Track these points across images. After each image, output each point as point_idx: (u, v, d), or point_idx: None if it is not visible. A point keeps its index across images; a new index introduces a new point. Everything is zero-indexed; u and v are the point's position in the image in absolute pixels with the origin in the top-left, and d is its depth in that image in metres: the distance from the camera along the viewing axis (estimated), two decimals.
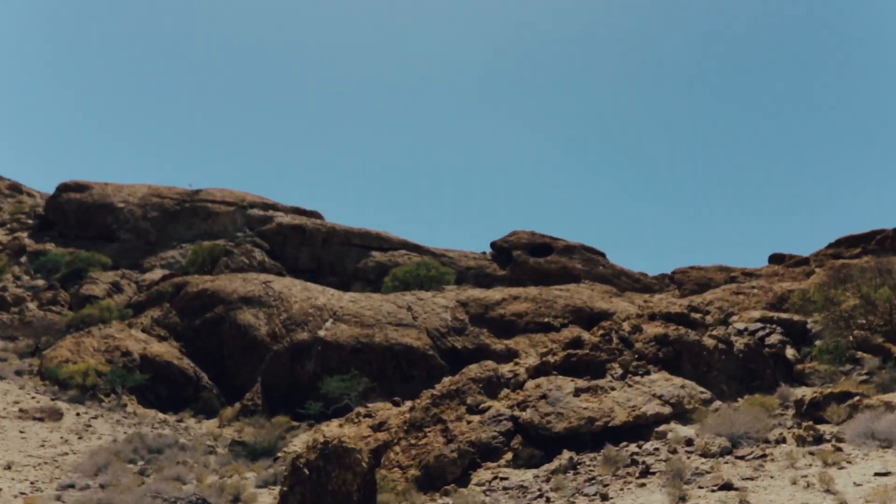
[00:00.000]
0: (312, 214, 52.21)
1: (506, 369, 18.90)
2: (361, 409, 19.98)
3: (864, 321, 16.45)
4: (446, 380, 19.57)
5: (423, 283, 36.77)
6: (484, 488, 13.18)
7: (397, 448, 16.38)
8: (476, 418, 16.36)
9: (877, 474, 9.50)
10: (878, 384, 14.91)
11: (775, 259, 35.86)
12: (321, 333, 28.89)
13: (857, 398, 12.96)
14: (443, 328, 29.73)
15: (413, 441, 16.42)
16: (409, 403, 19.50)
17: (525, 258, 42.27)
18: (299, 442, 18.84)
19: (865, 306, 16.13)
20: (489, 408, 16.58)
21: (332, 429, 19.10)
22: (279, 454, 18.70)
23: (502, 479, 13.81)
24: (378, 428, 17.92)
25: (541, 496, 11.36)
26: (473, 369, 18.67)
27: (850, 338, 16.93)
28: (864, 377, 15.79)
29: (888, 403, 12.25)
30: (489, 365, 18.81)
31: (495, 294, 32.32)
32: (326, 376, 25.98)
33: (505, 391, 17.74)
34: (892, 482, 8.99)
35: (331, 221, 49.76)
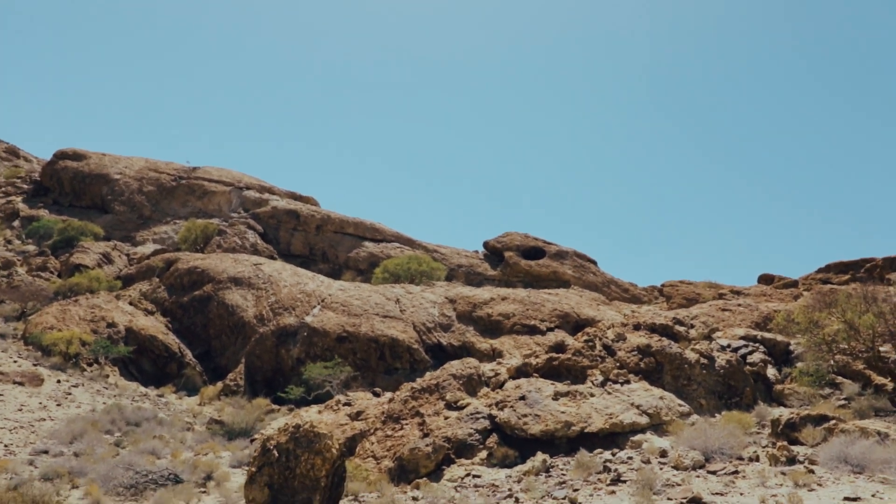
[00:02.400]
0: (307, 200, 52.10)
1: (487, 368, 18.94)
2: (342, 398, 19.96)
3: (846, 346, 16.51)
4: (428, 374, 19.60)
5: (413, 277, 36.75)
6: (455, 484, 13.19)
7: (373, 438, 16.38)
8: (454, 414, 16.38)
9: (846, 499, 9.54)
10: (856, 410, 15.00)
11: (765, 280, 35.99)
12: (308, 319, 28.85)
13: (833, 422, 13.01)
14: (429, 323, 29.71)
15: (389, 432, 16.42)
16: (388, 395, 19.52)
17: (517, 260, 42.25)
18: (277, 425, 18.79)
19: (849, 331, 16.19)
20: (468, 405, 16.60)
21: (310, 414, 19.10)
22: (256, 436, 18.67)
23: (475, 476, 13.83)
24: (356, 417, 17.91)
25: (510, 496, 11.37)
26: (455, 366, 18.69)
27: (832, 362, 17.00)
28: (843, 402, 15.87)
29: (864, 429, 12.31)
30: (471, 363, 18.83)
31: (484, 293, 32.30)
32: (310, 362, 25.97)
33: (485, 390, 17.77)
34: None
35: (325, 209, 49.64)
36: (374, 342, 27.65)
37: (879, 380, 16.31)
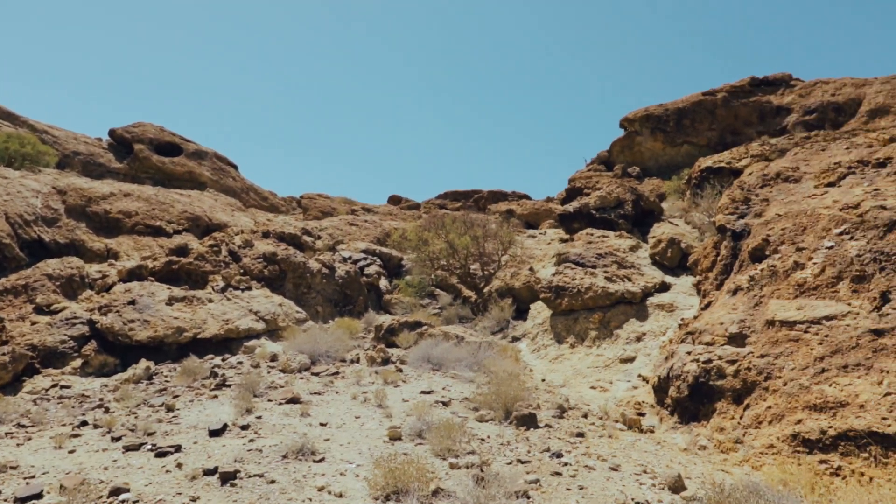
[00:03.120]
0: None
1: (94, 269, 17.00)
2: None
3: (446, 263, 18.78)
4: (16, 274, 16.78)
5: (12, 160, 30.81)
6: (36, 396, 11.61)
7: None
8: (44, 319, 14.36)
9: (422, 392, 10.88)
10: (446, 317, 17.28)
11: (393, 200, 39.04)
12: None
13: (424, 327, 14.75)
14: (29, 215, 25.35)
15: None
16: None
17: (148, 154, 38.38)
18: None
19: (449, 250, 18.42)
20: (63, 309, 14.70)
21: None
22: None
23: (63, 387, 12.38)
24: None
25: (100, 406, 10.41)
26: (53, 265, 16.36)
27: (433, 276, 19.23)
28: (437, 311, 18.15)
29: (446, 333, 14.20)
30: (73, 262, 16.66)
31: (104, 187, 28.72)
32: None
33: (88, 293, 15.95)
34: (431, 399, 10.39)
35: None
36: None
37: (467, 293, 19.01)
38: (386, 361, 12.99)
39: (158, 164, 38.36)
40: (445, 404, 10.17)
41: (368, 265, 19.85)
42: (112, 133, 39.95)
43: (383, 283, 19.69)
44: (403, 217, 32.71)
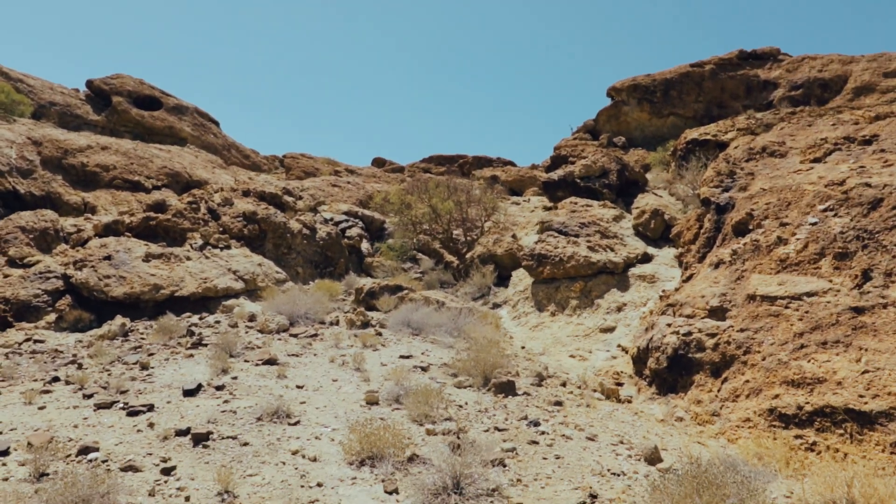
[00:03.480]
0: None
1: (69, 223, 16.64)
2: None
3: (428, 227, 18.62)
4: None
5: None
6: (8, 350, 11.39)
7: None
8: (17, 272, 14.06)
9: (401, 356, 10.82)
10: (427, 282, 17.20)
11: (377, 162, 38.61)
12: None
13: (405, 291, 14.64)
14: (3, 165, 24.71)
15: None
16: None
17: (127, 107, 37.44)
18: None
19: (432, 215, 18.25)
20: (37, 262, 14.39)
21: None
22: None
23: (37, 341, 12.17)
24: None
25: (73, 362, 10.23)
26: (26, 217, 15.97)
27: (415, 240, 19.08)
28: (419, 275, 18.06)
29: (427, 298, 14.11)
30: (48, 215, 16.28)
31: (81, 139, 28.05)
32: None
33: (63, 247, 15.62)
34: (409, 363, 10.33)
35: None
36: None
37: (449, 258, 18.91)
38: (365, 325, 12.89)
39: (137, 118, 37.47)
40: (424, 369, 10.11)
41: (350, 227, 19.63)
42: (90, 84, 38.86)
43: (365, 245, 19.51)
44: (387, 180, 32.38)
